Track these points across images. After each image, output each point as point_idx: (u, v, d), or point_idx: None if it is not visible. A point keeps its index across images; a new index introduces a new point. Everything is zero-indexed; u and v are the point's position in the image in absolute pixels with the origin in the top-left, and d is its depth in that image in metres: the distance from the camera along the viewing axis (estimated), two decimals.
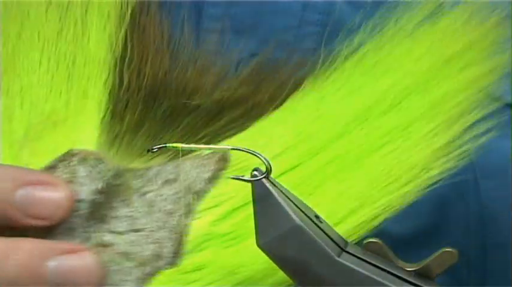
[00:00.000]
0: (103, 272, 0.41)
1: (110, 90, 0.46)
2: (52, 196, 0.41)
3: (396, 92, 0.45)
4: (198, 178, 0.43)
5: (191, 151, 0.44)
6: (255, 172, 0.38)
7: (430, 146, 0.44)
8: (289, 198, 0.38)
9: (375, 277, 0.38)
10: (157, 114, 0.46)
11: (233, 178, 0.39)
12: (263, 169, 0.38)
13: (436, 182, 0.44)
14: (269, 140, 0.45)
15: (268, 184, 0.38)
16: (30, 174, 0.41)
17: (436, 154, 0.44)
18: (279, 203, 0.38)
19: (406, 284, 0.38)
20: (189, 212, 0.42)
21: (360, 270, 0.38)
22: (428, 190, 0.44)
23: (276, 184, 0.39)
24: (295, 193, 0.41)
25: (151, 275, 0.42)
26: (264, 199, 0.38)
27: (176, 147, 0.40)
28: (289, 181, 0.43)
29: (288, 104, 0.46)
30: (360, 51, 0.47)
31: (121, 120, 0.46)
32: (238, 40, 0.48)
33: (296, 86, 0.47)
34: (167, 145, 0.40)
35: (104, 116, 0.45)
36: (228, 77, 0.47)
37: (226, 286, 0.42)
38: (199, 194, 0.43)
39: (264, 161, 0.38)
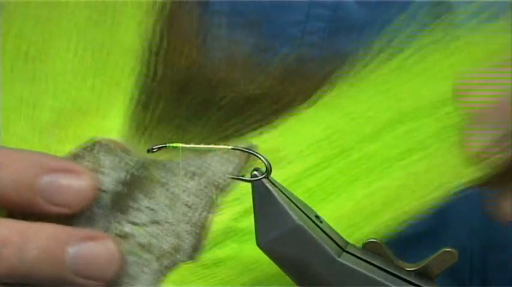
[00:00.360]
0: (122, 261, 0.41)
1: (140, 81, 0.45)
2: (76, 184, 0.41)
3: (434, 100, 0.44)
4: (222, 172, 0.43)
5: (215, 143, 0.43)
6: (255, 172, 0.38)
7: (461, 154, 0.43)
8: (289, 198, 0.38)
9: (375, 277, 0.38)
10: (186, 106, 0.46)
11: (233, 178, 0.39)
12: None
13: (463, 190, 0.43)
14: (297, 138, 0.45)
15: (268, 184, 0.38)
16: (56, 161, 0.41)
17: (467, 162, 0.43)
18: (279, 203, 0.38)
19: (406, 284, 0.38)
20: (211, 206, 0.42)
21: (360, 270, 0.38)
22: (454, 197, 0.43)
23: (276, 184, 0.38)
24: (319, 193, 0.41)
25: (169, 268, 0.42)
26: (264, 199, 0.38)
27: (176, 147, 0.40)
28: (314, 180, 0.43)
29: (320, 102, 0.46)
30: (402, 55, 0.46)
31: (149, 111, 0.45)
32: (245, 36, 0.48)
33: (329, 85, 0.46)
34: (167, 144, 0.40)
35: (132, 106, 0.45)
36: (260, 72, 0.47)
37: (244, 282, 0.42)
38: (222, 189, 0.43)
39: (264, 161, 0.38)
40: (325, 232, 0.39)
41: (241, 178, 0.39)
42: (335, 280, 0.38)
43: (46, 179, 0.40)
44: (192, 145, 0.39)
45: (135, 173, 0.43)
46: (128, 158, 0.43)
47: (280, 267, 0.38)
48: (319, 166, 0.44)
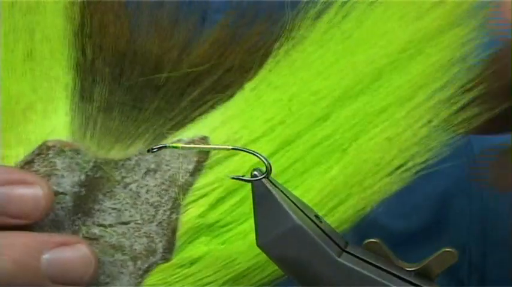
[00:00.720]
0: (98, 263, 0.41)
1: (75, 67, 0.44)
2: (30, 194, 0.40)
3: (373, 70, 0.43)
4: (180, 169, 0.43)
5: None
6: (255, 172, 0.38)
7: (414, 128, 0.42)
8: (289, 198, 0.38)
9: (375, 277, 0.38)
10: (126, 90, 0.45)
11: (233, 178, 0.39)
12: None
13: (424, 168, 0.42)
14: (250, 123, 0.44)
15: (268, 184, 0.38)
16: (7, 173, 0.41)
17: (422, 136, 0.42)
18: (279, 203, 0.38)
19: (406, 284, 0.38)
20: (174, 205, 0.42)
21: (360, 270, 0.38)
22: (415, 176, 0.42)
23: (276, 184, 0.38)
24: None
25: (146, 270, 0.42)
26: (264, 198, 0.38)
27: (176, 147, 0.39)
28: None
29: (261, 78, 0.44)
30: (329, 18, 0.44)
31: (91, 100, 0.44)
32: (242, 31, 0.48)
33: (266, 52, 0.45)
34: (167, 145, 0.40)
35: (73, 98, 0.44)
36: (194, 44, 0.46)
37: (222, 279, 0.41)
38: (183, 188, 0.43)
39: (264, 161, 0.38)
40: (325, 232, 0.39)
41: (241, 178, 0.39)
42: (335, 280, 0.38)
43: None
44: (191, 145, 0.39)
45: (89, 173, 0.43)
46: (79, 158, 0.43)
47: (280, 267, 0.38)
48: (276, 154, 0.43)
